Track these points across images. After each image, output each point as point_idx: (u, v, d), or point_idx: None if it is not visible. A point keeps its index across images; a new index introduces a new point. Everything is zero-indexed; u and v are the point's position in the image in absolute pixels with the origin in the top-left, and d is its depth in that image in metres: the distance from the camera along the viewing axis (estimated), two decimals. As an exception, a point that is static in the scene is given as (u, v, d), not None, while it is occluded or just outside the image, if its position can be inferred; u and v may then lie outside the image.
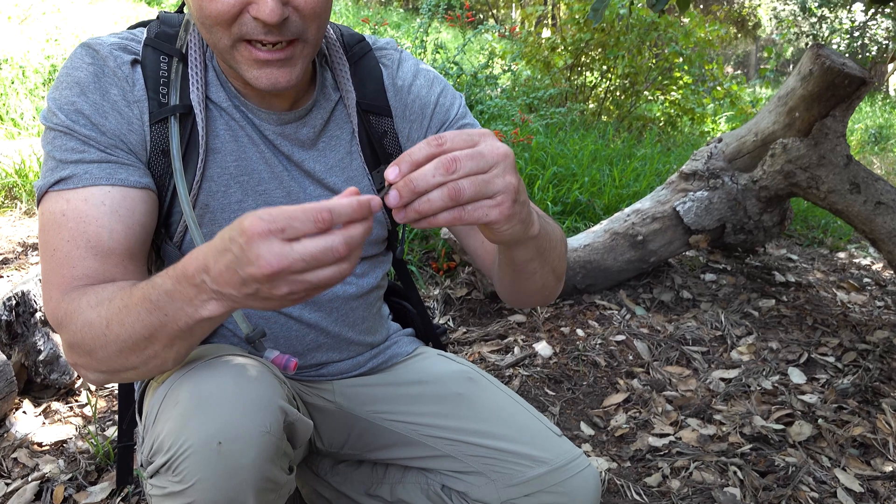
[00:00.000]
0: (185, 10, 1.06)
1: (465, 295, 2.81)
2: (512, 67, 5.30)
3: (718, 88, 6.62)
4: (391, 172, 0.71)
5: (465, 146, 0.73)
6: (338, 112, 1.11)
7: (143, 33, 1.03)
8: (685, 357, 2.43)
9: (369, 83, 1.13)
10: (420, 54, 4.65)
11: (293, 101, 1.06)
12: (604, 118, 6.56)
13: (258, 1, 0.87)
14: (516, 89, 5.81)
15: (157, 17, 1.05)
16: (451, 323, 2.66)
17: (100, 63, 0.96)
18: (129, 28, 1.06)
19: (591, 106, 6.60)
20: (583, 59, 6.32)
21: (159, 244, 1.04)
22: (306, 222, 0.66)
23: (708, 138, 7.04)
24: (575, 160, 4.02)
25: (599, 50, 6.05)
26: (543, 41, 6.34)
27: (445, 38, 7.95)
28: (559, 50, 6.23)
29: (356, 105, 1.11)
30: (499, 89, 5.23)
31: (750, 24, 21.11)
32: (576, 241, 2.85)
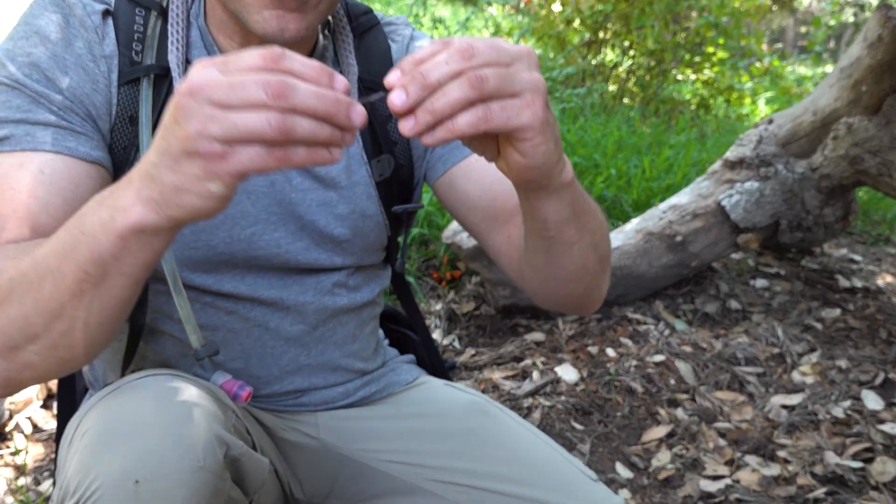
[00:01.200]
0: None
1: (473, 310, 2.78)
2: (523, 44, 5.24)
3: (758, 65, 6.56)
4: (392, 75, 0.66)
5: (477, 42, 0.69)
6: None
7: None
8: (737, 380, 2.39)
9: (375, 58, 1.13)
10: (415, 26, 4.59)
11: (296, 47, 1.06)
12: (627, 101, 6.53)
13: None
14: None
15: None
16: (456, 344, 2.63)
17: (65, 10, 0.96)
18: None
19: (612, 88, 6.56)
20: (601, 34, 6.26)
21: None
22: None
23: (746, 122, 6.99)
24: (598, 149, 4.00)
25: (621, 24, 5.98)
26: (556, 14, 6.28)
27: (444, 14, 7.97)
28: (575, 24, 6.17)
29: (357, 81, 1.10)
30: None
31: (787, -7, 21.23)
32: (602, 244, 2.80)
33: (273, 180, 1.06)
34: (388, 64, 1.13)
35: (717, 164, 2.92)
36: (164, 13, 1.01)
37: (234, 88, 0.60)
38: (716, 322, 2.75)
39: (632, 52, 6.53)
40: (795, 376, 2.40)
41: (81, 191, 0.92)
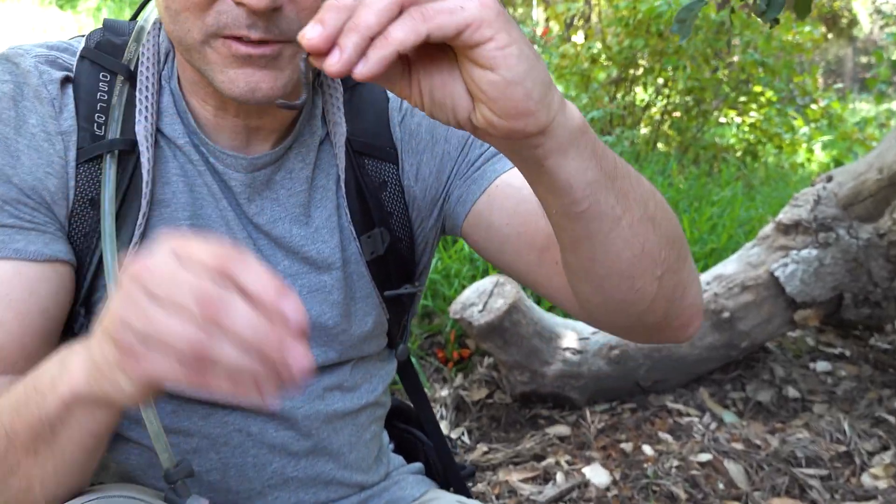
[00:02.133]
0: (140, 15, 1.08)
1: (485, 398, 2.78)
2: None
3: (813, 107, 6.66)
4: (309, 30, 0.66)
5: None
6: (325, 151, 1.11)
7: (81, 43, 1.04)
8: (798, 484, 2.37)
9: (367, 115, 1.13)
10: None
11: (270, 139, 1.07)
12: (661, 146, 6.59)
13: None
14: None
15: (103, 24, 1.07)
16: (465, 438, 2.63)
17: (19, 80, 0.97)
18: (72, 38, 1.08)
19: (644, 131, 6.64)
20: (631, 71, 6.38)
21: (77, 332, 1.02)
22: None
23: (801, 172, 7.06)
24: None
25: (654, 58, 6.10)
26: (580, 49, 6.42)
27: None
28: (601, 60, 6.29)
29: (346, 144, 1.11)
30: None
31: (843, 21, 21.59)
32: (637, 321, 2.83)
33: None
34: (383, 123, 1.14)
35: (768, 228, 2.94)
36: (131, 77, 1.02)
37: (171, 284, 0.63)
38: (771, 413, 2.74)
39: (666, 91, 6.66)
40: (866, 480, 2.37)
41: (39, 298, 0.93)
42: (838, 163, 6.55)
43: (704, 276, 2.92)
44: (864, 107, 12.06)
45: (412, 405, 1.39)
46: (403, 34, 0.64)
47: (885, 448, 2.53)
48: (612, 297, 0.92)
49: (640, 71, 6.50)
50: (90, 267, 1.00)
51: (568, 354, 2.73)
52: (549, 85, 0.72)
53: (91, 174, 0.99)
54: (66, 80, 0.99)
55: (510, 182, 1.10)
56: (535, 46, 6.31)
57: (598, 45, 6.58)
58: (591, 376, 2.75)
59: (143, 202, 1.00)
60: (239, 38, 0.89)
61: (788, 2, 1.97)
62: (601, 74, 6.51)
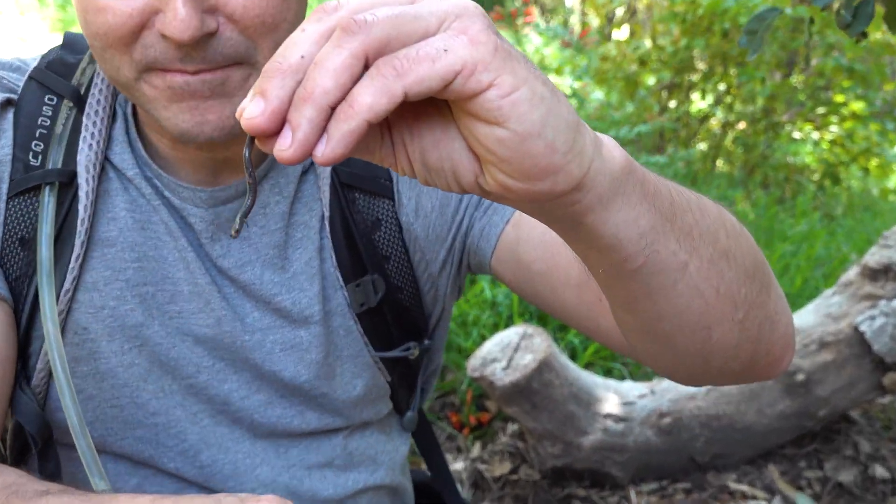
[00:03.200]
0: None
1: (509, 473, 2.78)
2: (577, 92, 5.38)
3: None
4: (248, 102, 0.59)
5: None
6: (308, 184, 1.14)
7: (30, 64, 1.09)
8: None
9: None
10: None
11: (231, 167, 1.09)
12: (722, 166, 6.60)
13: (164, 8, 0.87)
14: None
15: (63, 39, 1.12)
16: None
17: None
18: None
19: (702, 147, 6.66)
20: (687, 75, 6.41)
21: (11, 394, 1.05)
22: None
23: (893, 199, 7.05)
24: None
25: (717, 61, 6.13)
26: (625, 48, 6.46)
27: None
28: (651, 62, 6.34)
29: (331, 175, 1.12)
30: None
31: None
32: (692, 382, 2.84)
33: (219, 318, 1.10)
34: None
35: (852, 272, 2.93)
36: (80, 102, 1.06)
37: None
38: (854, 497, 2.73)
39: (729, 99, 6.68)
40: None
41: None
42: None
43: None
44: None
45: (431, 474, 1.41)
46: (372, 98, 0.56)
47: None
48: (685, 353, 0.89)
49: (698, 75, 6.55)
50: (23, 315, 1.04)
51: (609, 422, 2.72)
52: (576, 127, 0.65)
53: (23, 209, 1.02)
54: (7, 103, 1.04)
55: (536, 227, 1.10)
56: (572, 49, 6.35)
57: (648, 43, 6.62)
58: (636, 449, 2.75)
59: (78, 241, 1.03)
60: (173, 70, 0.91)
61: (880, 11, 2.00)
62: (650, 79, 6.54)
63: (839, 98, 6.55)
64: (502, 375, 2.57)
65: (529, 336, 2.65)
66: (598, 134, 0.70)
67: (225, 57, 0.91)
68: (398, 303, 1.18)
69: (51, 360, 0.99)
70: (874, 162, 6.83)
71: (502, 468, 2.79)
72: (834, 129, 6.80)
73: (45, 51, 1.11)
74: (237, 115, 0.58)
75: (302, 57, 0.57)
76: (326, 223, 1.13)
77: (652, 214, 0.73)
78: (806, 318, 2.91)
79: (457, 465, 2.81)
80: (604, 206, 0.69)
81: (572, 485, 2.76)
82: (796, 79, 6.51)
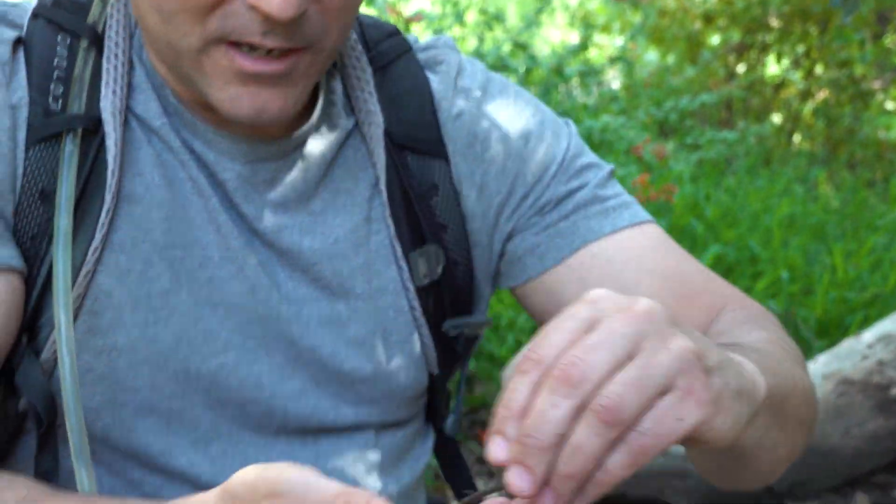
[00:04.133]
0: None
1: None
2: (627, 54, 5.43)
3: None
4: (494, 449, 0.74)
5: (574, 338, 0.75)
6: (351, 148, 1.21)
7: (31, 2, 1.12)
8: None
9: (407, 103, 1.23)
10: (459, 28, 4.80)
11: (283, 131, 1.15)
12: (802, 143, 6.61)
13: None
14: (634, 90, 5.92)
15: None
16: None
17: None
18: None
19: (777, 120, 6.67)
20: (760, 36, 6.43)
21: (14, 363, 1.10)
22: None
23: None
24: (756, 231, 4.14)
25: (798, 19, 6.14)
26: (687, 2, 6.49)
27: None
28: (718, 20, 6.37)
29: (384, 137, 1.19)
30: (601, 93, 5.32)
31: None
32: (767, 396, 2.91)
33: (254, 285, 1.14)
34: (426, 107, 1.24)
35: None
36: (98, 41, 1.11)
37: None
38: None
39: (809, 63, 6.71)
40: None
41: None
42: None
43: (866, 336, 3.01)
44: None
45: None
46: (622, 470, 0.72)
47: None
48: (735, 484, 1.13)
49: (773, 35, 6.56)
50: (38, 280, 1.07)
51: None
52: (749, 392, 0.83)
53: (44, 159, 1.06)
54: (17, 43, 1.08)
55: (614, 255, 1.22)
56: (623, 2, 6.37)
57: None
58: (700, 476, 2.79)
59: (108, 196, 1.07)
60: (247, 45, 0.98)
61: None
62: (716, 38, 6.56)
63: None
64: (543, 387, 2.61)
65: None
66: (743, 362, 0.86)
67: (303, 38, 0.98)
68: (454, 279, 1.24)
69: (59, 327, 1.02)
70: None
71: (539, 492, 2.83)
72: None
73: None
74: (505, 482, 0.72)
75: (556, 435, 0.70)
76: (383, 188, 1.20)
77: (768, 421, 0.91)
78: None
79: (486, 487, 2.83)
80: (735, 436, 0.83)
81: None
82: (890, 38, 6.51)
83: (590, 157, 1.29)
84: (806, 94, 6.74)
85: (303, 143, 1.17)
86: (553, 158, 1.26)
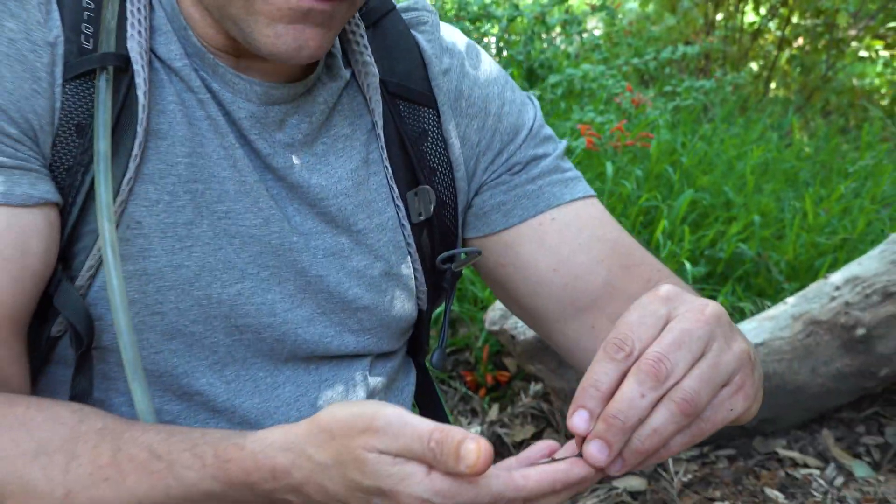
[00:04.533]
0: None
1: (532, 438, 2.82)
2: (608, 3, 5.43)
3: None
4: (578, 421, 0.87)
5: (655, 332, 0.91)
6: (348, 98, 1.28)
7: None
8: None
9: (399, 55, 1.31)
10: None
11: (285, 72, 1.21)
12: (777, 90, 6.64)
13: None
14: (615, 39, 5.92)
15: None
16: None
17: None
18: None
19: (755, 67, 6.69)
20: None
21: (51, 292, 1.13)
22: None
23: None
24: (731, 177, 4.12)
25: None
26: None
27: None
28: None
29: (380, 86, 1.27)
30: (583, 41, 5.34)
31: None
32: (738, 337, 2.92)
33: (267, 218, 1.20)
34: (414, 60, 1.31)
35: None
36: None
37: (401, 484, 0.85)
38: None
39: (785, 11, 6.72)
40: None
41: (29, 255, 1.06)
42: None
43: (833, 278, 3.01)
44: None
45: None
46: (680, 448, 0.89)
47: None
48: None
49: (751, -17, 6.60)
50: (73, 209, 1.11)
51: None
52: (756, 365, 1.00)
53: (79, 94, 1.10)
54: None
55: (570, 221, 1.33)
56: None
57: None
58: None
59: (140, 130, 1.11)
60: None
61: None
62: (695, -15, 6.59)
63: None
64: (525, 331, 2.63)
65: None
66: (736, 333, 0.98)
67: None
68: (442, 219, 1.32)
69: (103, 251, 1.06)
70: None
71: (524, 432, 2.81)
72: (906, 45, 6.86)
73: None
74: (584, 452, 0.86)
75: (639, 419, 0.85)
76: (380, 133, 1.27)
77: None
78: (868, 265, 2.99)
79: (472, 430, 2.75)
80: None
81: (602, 451, 2.82)
82: None
83: (550, 130, 1.40)
84: (782, 43, 6.76)
85: (308, 90, 1.23)
86: (524, 124, 1.36)
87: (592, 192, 1.38)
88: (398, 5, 1.35)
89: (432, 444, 0.82)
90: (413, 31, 1.32)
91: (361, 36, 1.27)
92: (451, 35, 1.37)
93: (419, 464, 0.84)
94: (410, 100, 1.30)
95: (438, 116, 1.31)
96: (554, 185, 1.33)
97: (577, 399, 0.88)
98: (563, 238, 1.30)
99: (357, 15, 1.27)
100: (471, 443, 0.80)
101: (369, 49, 1.27)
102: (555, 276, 1.30)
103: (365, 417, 0.86)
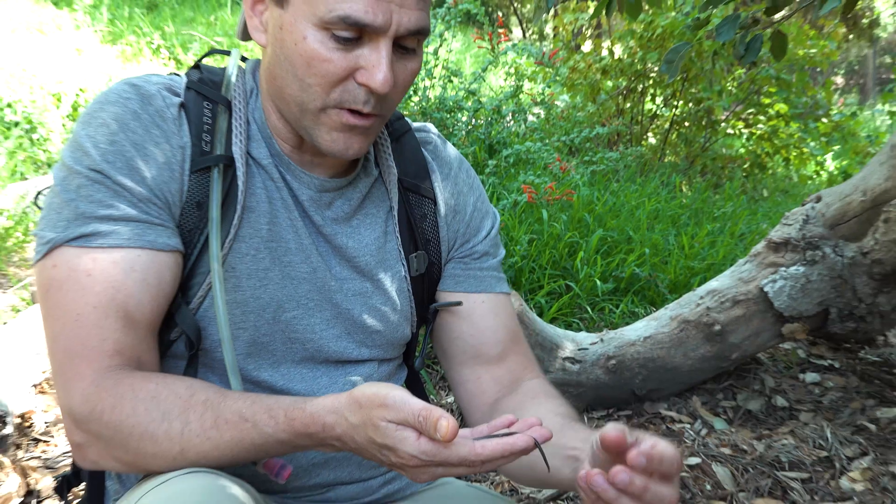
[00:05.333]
0: (232, 60, 1.29)
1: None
2: (546, 98, 5.54)
3: (825, 120, 6.83)
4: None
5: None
6: (376, 189, 1.35)
7: (182, 78, 1.24)
8: (780, 486, 2.48)
9: (410, 161, 1.38)
10: (429, 80, 4.90)
11: (336, 170, 1.29)
12: (669, 158, 6.77)
13: (370, 67, 1.10)
14: (550, 122, 6.03)
15: (196, 65, 1.29)
16: None
17: (146, 100, 1.16)
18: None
19: (653, 141, 6.82)
20: (641, 84, 6.61)
21: (173, 311, 1.20)
22: (458, 468, 0.94)
23: (810, 185, 7.25)
24: (630, 221, 4.19)
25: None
26: (590, 60, 6.61)
27: (453, 47, 8.14)
28: (612, 71, 6.52)
29: (398, 182, 1.35)
30: (527, 125, 5.43)
31: (865, 21, 21.55)
32: (634, 332, 3.00)
33: (315, 267, 1.26)
34: (422, 167, 1.38)
35: (760, 245, 3.05)
36: (228, 107, 1.22)
37: (446, 472, 0.96)
38: (759, 421, 2.87)
39: (675, 101, 6.83)
40: (844, 483, 2.46)
41: (164, 284, 1.13)
42: (848, 175, 6.71)
43: (699, 290, 3.06)
44: (885, 109, 12.00)
45: None
46: None
47: (863, 454, 2.64)
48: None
49: (650, 82, 6.71)
50: (191, 256, 1.18)
51: (567, 364, 2.85)
52: None
53: (199, 182, 1.17)
54: (181, 106, 1.19)
55: (492, 307, 1.39)
56: (543, 66, 6.46)
57: (607, 53, 6.77)
58: (589, 385, 2.87)
59: (238, 207, 1.20)
60: (351, 111, 1.13)
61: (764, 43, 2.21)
62: (609, 84, 6.69)
63: (766, 100, 6.72)
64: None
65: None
66: None
67: (381, 108, 1.15)
68: (431, 273, 1.38)
69: (213, 283, 1.14)
70: (794, 153, 7.01)
71: (484, 400, 2.88)
72: (762, 126, 6.96)
73: (184, 70, 1.27)
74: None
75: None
76: (395, 214, 1.34)
77: None
78: (723, 281, 3.05)
79: (449, 399, 2.91)
80: None
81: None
82: (732, 84, 6.64)
83: (499, 238, 1.47)
84: (672, 124, 6.86)
85: (350, 183, 1.30)
86: (487, 228, 1.44)
87: (511, 291, 1.47)
88: (413, 125, 1.42)
89: (420, 418, 0.91)
90: (422, 148, 1.40)
91: (387, 147, 1.35)
92: (449, 153, 1.44)
93: (412, 431, 0.93)
94: (418, 194, 1.37)
95: (435, 208, 1.38)
96: (492, 278, 1.41)
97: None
98: (483, 315, 1.38)
99: (385, 131, 1.36)
100: (444, 420, 0.89)
101: (392, 156, 1.35)
102: (469, 336, 1.39)
103: (380, 395, 0.95)
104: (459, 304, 1.39)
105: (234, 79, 1.26)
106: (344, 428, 0.99)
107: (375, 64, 1.09)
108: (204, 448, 1.05)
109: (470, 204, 1.43)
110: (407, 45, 1.14)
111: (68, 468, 1.48)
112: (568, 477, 1.12)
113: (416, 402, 0.93)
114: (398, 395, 0.95)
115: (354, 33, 1.09)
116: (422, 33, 1.14)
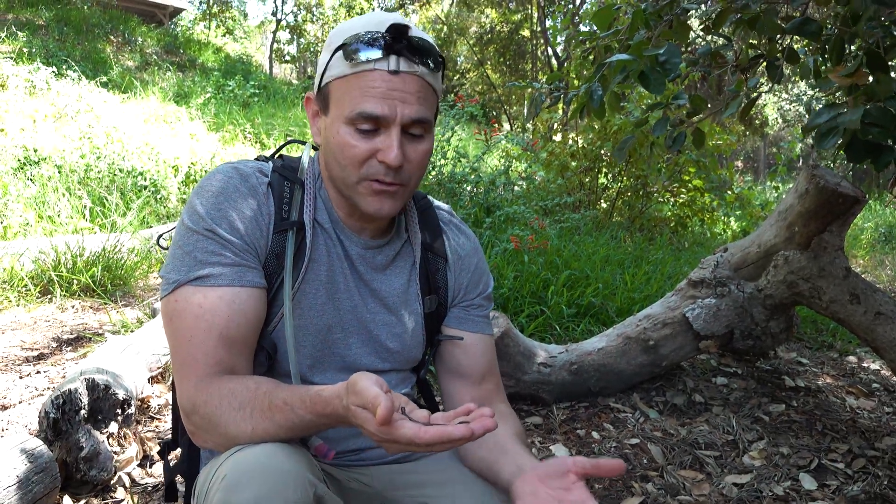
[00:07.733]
0: (306, 153, 1.28)
1: None
2: (529, 174, 5.57)
3: (729, 193, 6.85)
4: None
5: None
6: (405, 249, 1.33)
7: (269, 164, 1.24)
8: (698, 461, 2.46)
9: (431, 231, 1.36)
10: (443, 160, 4.93)
11: (377, 233, 1.28)
12: (616, 218, 6.79)
13: (385, 148, 1.10)
14: (531, 191, 6.05)
15: (279, 156, 1.29)
16: None
17: (244, 178, 1.17)
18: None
19: (604, 205, 6.84)
20: (597, 164, 6.62)
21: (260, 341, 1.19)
22: (409, 446, 0.88)
23: (719, 238, 7.24)
24: (588, 263, 4.17)
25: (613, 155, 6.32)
26: (562, 148, 6.67)
27: (461, 136, 8.26)
28: (578, 156, 6.55)
29: (421, 244, 1.33)
30: (514, 193, 5.46)
31: (757, 122, 21.78)
32: (590, 345, 2.96)
33: (356, 304, 1.25)
34: (440, 237, 1.35)
35: (683, 283, 3.03)
36: (301, 186, 1.22)
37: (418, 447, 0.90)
38: (682, 412, 2.84)
39: (621, 177, 6.91)
40: (746, 460, 2.46)
41: (255, 311, 1.12)
42: (746, 233, 6.73)
43: (638, 315, 3.02)
44: (775, 183, 12.11)
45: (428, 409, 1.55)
46: None
47: (760, 438, 2.62)
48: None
49: (603, 163, 6.76)
50: (270, 293, 1.17)
51: (541, 367, 2.82)
52: None
53: (279, 240, 1.17)
54: (268, 184, 1.19)
55: (481, 346, 1.35)
56: (528, 152, 6.53)
57: (571, 141, 6.84)
58: (557, 383, 2.84)
59: (306, 258, 1.19)
60: (377, 181, 1.12)
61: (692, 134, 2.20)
62: (574, 164, 6.77)
63: (686, 177, 6.75)
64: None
65: (496, 318, 2.71)
66: None
67: (401, 178, 1.13)
68: (439, 313, 1.34)
69: (285, 314, 1.15)
70: (707, 216, 7.01)
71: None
72: (683, 196, 6.98)
73: (270, 157, 1.27)
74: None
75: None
76: (416, 267, 1.31)
77: None
78: (656, 308, 3.01)
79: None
80: None
81: (518, 403, 2.83)
82: (661, 165, 6.69)
83: (492, 293, 1.41)
84: (619, 193, 6.88)
85: (387, 243, 1.28)
86: (484, 286, 1.39)
87: (494, 334, 1.39)
88: (434, 203, 1.39)
89: (370, 404, 0.87)
90: (441, 222, 1.37)
91: (415, 218, 1.33)
92: (461, 229, 1.40)
93: (371, 413, 0.88)
94: (435, 254, 1.34)
95: (447, 265, 1.35)
96: (484, 323, 1.37)
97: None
98: (475, 348, 1.33)
99: (413, 205, 1.34)
100: (381, 408, 0.85)
101: (418, 225, 1.33)
102: (462, 362, 1.34)
103: (352, 383, 0.91)
104: (461, 338, 1.35)
105: (306, 164, 1.26)
106: (344, 410, 0.96)
107: (389, 146, 1.10)
108: (265, 426, 1.03)
109: (474, 266, 1.39)
110: (414, 132, 1.13)
111: (169, 437, 1.45)
112: (505, 480, 1.11)
113: (373, 391, 0.87)
114: (364, 383, 0.89)
115: (372, 125, 1.09)
116: (423, 122, 1.12)
